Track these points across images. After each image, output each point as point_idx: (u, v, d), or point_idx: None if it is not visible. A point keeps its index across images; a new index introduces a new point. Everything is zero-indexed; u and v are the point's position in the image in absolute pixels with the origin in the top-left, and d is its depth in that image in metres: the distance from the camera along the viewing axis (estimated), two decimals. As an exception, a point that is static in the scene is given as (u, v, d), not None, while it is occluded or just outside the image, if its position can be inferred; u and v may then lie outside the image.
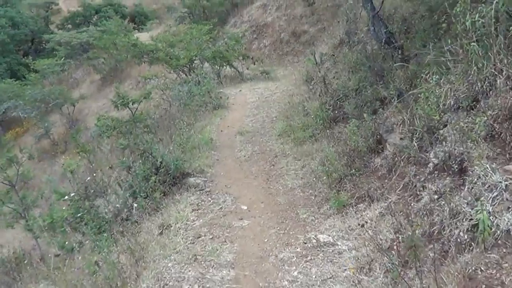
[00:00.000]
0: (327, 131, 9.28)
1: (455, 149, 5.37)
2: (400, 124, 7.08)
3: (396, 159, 6.69)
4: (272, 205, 7.47)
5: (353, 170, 7.23)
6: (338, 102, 9.78)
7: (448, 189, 5.11)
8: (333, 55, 13.11)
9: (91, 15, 45.57)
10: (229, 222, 7.07)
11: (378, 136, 7.49)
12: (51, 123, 24.33)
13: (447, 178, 5.32)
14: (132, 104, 15.66)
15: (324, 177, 7.57)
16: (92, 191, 9.05)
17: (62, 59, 30.45)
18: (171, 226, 7.19)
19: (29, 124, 26.19)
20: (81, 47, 30.75)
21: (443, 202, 4.95)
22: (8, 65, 42.43)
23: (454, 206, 4.70)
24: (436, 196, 5.28)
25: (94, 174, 10.06)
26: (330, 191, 7.29)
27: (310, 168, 8.38)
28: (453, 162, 5.31)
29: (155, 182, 8.26)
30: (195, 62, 18.04)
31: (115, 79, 24.94)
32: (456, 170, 5.23)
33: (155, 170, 8.51)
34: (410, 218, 5.36)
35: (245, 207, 7.53)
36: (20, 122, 26.99)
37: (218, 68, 17.63)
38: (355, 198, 6.73)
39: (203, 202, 7.90)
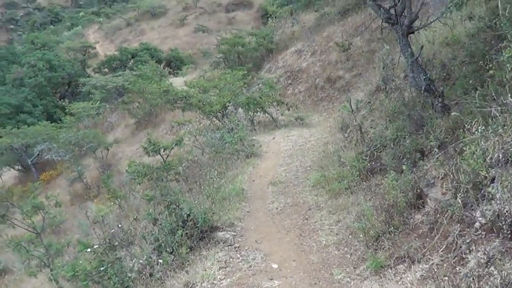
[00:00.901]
0: (364, 183, 8.88)
1: (504, 208, 4.94)
2: (442, 178, 6.65)
3: (438, 216, 6.23)
4: (305, 264, 7.05)
5: (392, 227, 6.76)
6: (375, 153, 9.40)
7: (498, 253, 4.67)
8: (369, 102, 12.82)
9: (127, 59, 46.48)
10: (258, 283, 6.66)
11: (418, 190, 7.04)
12: (85, 167, 24.48)
13: (496, 240, 4.88)
14: (164, 151, 15.50)
15: (361, 234, 7.12)
16: (116, 243, 8.77)
17: (98, 102, 30.95)
18: (197, 286, 6.83)
19: (63, 167, 26.43)
20: (117, 91, 31.20)
21: (493, 268, 4.51)
22: (44, 108, 43.37)
23: (505, 274, 4.26)
24: (484, 261, 4.83)
25: (121, 224, 9.84)
26: (367, 249, 6.83)
27: (345, 223, 7.96)
28: (503, 223, 4.87)
29: (181, 236, 7.93)
30: (228, 108, 17.92)
31: (149, 123, 25.08)
32: (507, 232, 4.79)
33: (182, 223, 8.18)
34: (455, 285, 4.91)
35: (276, 266, 7.12)
36: (54, 165, 27.28)
37: (252, 114, 17.46)
38: (394, 258, 6.24)
39: (231, 259, 7.53)
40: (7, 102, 41.37)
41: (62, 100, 41.71)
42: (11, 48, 65.13)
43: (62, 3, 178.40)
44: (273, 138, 15.21)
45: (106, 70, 46.59)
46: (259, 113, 17.93)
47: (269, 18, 37.38)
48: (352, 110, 12.46)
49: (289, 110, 18.63)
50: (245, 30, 40.12)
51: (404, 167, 7.42)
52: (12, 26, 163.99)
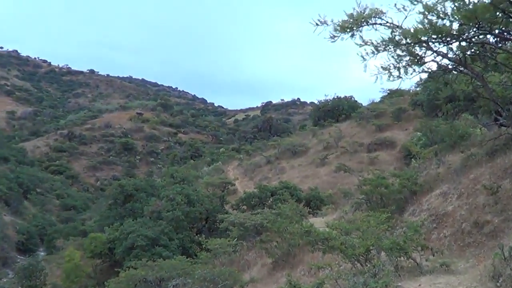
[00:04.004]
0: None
1: None
2: None
3: None
4: None
5: None
6: (531, 304, 9.45)
7: None
8: (522, 250, 12.77)
9: (266, 197, 47.85)
10: None
11: None
12: (218, 305, 25.10)
13: None
14: (305, 294, 16.02)
15: None
16: None
17: (235, 240, 31.87)
18: None
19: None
20: (255, 228, 32.06)
21: None
22: (180, 242, 45.29)
23: None
24: None
25: None
26: None
27: None
28: None
29: None
30: (371, 251, 18.23)
31: (287, 264, 25.64)
32: None
33: None
34: None
35: None
36: (189, 300, 28.11)
37: (396, 259, 17.64)
38: None
39: None
40: (144, 234, 43.87)
41: (198, 235, 43.68)
42: (150, 180, 69.46)
43: (203, 138, 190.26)
44: (419, 285, 15.22)
45: (245, 207, 48.32)
46: (402, 258, 18.02)
47: (412, 159, 37.84)
48: (505, 258, 12.47)
49: (434, 255, 18.56)
50: (388, 170, 40.65)
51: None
52: (152, 159, 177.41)
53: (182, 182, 60.64)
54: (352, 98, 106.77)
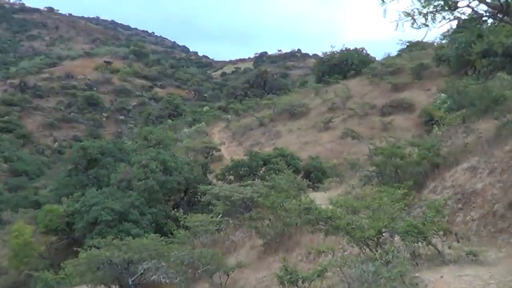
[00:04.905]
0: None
1: None
2: None
3: None
4: None
5: None
6: None
7: None
8: None
9: (258, 166, 47.66)
10: None
11: None
12: (207, 293, 25.09)
13: None
14: (302, 283, 15.95)
15: None
16: None
17: (219, 216, 31.76)
18: None
19: (171, 291, 27.13)
20: (243, 203, 31.90)
21: None
22: (153, 217, 45.13)
23: None
24: None
25: None
26: None
27: None
28: None
29: None
30: (383, 235, 18.14)
31: (281, 246, 25.57)
32: None
33: None
34: None
35: None
36: (160, 288, 28.09)
37: (413, 244, 17.57)
38: None
39: None
40: (110, 207, 43.42)
41: (175, 209, 43.39)
42: (119, 143, 68.60)
43: (184, 94, 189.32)
44: (441, 277, 15.18)
45: (232, 177, 48.27)
46: (420, 244, 17.95)
47: (435, 125, 37.68)
48: (546, 249, 12.43)
49: (458, 242, 18.51)
50: (404, 138, 40.47)
51: None
52: (122, 117, 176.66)
53: (158, 146, 60.59)
54: (364, 51, 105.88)
